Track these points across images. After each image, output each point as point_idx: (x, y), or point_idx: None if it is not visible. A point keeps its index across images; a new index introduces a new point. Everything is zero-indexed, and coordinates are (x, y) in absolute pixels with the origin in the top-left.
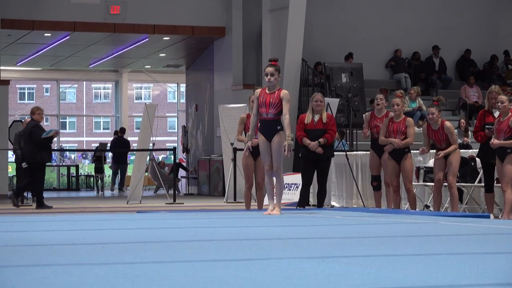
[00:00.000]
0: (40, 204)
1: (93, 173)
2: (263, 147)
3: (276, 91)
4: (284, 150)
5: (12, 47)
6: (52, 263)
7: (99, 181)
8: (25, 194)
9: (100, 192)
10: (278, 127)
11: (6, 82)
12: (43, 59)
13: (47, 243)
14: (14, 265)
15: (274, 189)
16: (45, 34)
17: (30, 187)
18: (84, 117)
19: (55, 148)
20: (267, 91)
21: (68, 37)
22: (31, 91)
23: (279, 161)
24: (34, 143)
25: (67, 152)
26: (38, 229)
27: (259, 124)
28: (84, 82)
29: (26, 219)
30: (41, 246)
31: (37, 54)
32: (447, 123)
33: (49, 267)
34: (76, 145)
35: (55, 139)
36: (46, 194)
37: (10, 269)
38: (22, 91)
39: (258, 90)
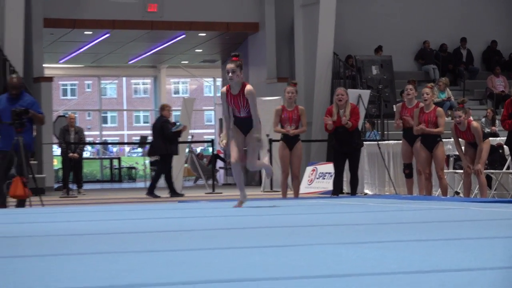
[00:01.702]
0: (173, 191)
1: (133, 165)
2: (235, 140)
3: (240, 91)
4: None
5: (54, 45)
6: (102, 251)
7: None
8: (70, 186)
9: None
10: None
11: (49, 79)
12: (84, 56)
13: (96, 233)
14: (66, 254)
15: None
16: (86, 32)
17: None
18: (125, 112)
19: (97, 141)
20: (232, 92)
21: (108, 35)
22: (73, 87)
23: (254, 159)
24: (164, 137)
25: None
26: (85, 219)
27: (233, 119)
28: (124, 78)
29: (73, 209)
30: (91, 235)
31: (78, 52)
32: (474, 124)
33: (99, 255)
34: (118, 138)
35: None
36: (89, 186)
37: (66, 257)
38: (64, 87)
39: (224, 90)
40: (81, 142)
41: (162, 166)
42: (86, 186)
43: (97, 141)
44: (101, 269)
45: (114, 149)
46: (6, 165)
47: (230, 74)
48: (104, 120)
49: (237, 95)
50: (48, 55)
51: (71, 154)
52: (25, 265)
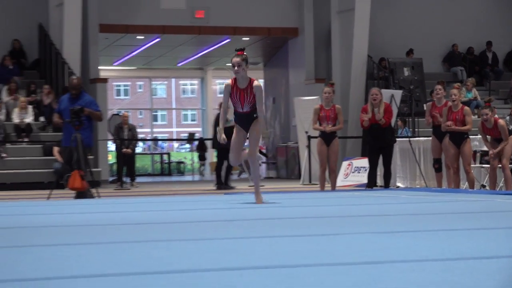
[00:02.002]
0: (221, 183)
1: (182, 160)
2: (236, 137)
3: (248, 85)
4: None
5: (109, 49)
6: (155, 239)
7: (202, 167)
8: (124, 179)
9: (203, 177)
10: (254, 115)
11: (104, 80)
12: (137, 59)
13: (150, 222)
14: (123, 241)
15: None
16: (138, 37)
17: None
18: (173, 110)
19: (149, 138)
20: (239, 86)
21: (159, 39)
22: (126, 87)
23: (255, 148)
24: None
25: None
26: (139, 210)
27: (234, 116)
28: (173, 79)
29: (127, 201)
30: (145, 225)
31: (131, 55)
32: (501, 122)
33: (153, 242)
34: (167, 135)
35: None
36: (141, 179)
37: (123, 244)
38: (118, 88)
39: (229, 83)
40: (133, 139)
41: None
42: (138, 179)
43: (148, 138)
44: (155, 256)
45: (164, 145)
46: (66, 158)
47: (236, 68)
48: (155, 118)
49: (244, 89)
50: (103, 58)
51: (124, 150)
52: (87, 251)
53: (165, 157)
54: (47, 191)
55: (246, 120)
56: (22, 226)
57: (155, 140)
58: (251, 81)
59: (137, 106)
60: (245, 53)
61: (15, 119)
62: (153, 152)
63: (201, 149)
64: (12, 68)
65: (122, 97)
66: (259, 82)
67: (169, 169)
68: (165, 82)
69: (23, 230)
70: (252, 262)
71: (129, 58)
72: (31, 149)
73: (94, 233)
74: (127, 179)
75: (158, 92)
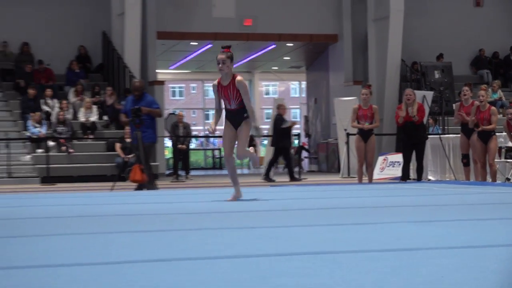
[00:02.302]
0: (268, 177)
1: None
2: (227, 134)
3: (231, 82)
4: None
5: (165, 54)
6: (206, 227)
7: (250, 161)
8: (179, 172)
9: (250, 170)
10: (245, 115)
11: (162, 83)
12: (190, 63)
13: (205, 211)
14: (184, 229)
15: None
16: (192, 43)
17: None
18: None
19: (201, 135)
20: (222, 83)
21: (211, 45)
22: (181, 89)
23: (244, 148)
24: (277, 131)
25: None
26: (194, 201)
27: (225, 112)
28: None
29: (183, 192)
30: (199, 214)
31: (185, 60)
32: None
33: (205, 230)
34: (218, 132)
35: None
36: (195, 172)
37: (182, 232)
38: (173, 89)
39: (215, 83)
40: (188, 136)
41: (284, 157)
42: (192, 173)
43: (201, 135)
44: (206, 243)
45: (215, 141)
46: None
47: (220, 64)
48: (207, 117)
49: (227, 86)
50: (160, 63)
51: (180, 146)
52: (147, 238)
53: (216, 152)
54: (110, 183)
55: (235, 117)
56: (88, 215)
57: (207, 137)
58: (233, 77)
59: (191, 106)
60: (230, 51)
61: (81, 118)
62: (206, 147)
63: (250, 145)
64: (79, 72)
65: (177, 98)
66: (242, 77)
67: (220, 164)
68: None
69: (90, 219)
70: (298, 249)
71: (183, 62)
72: (96, 145)
73: (154, 221)
74: (182, 173)
75: (210, 93)
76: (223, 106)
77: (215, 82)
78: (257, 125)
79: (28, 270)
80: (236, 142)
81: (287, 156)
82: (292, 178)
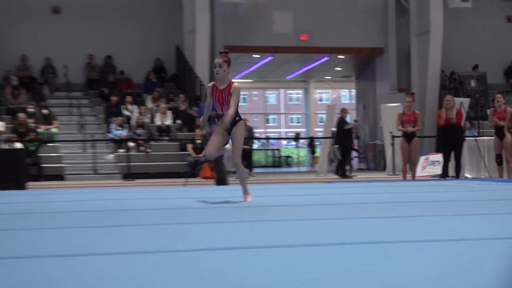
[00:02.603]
0: (343, 174)
1: (289, 155)
2: (214, 139)
3: (227, 86)
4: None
5: (231, 65)
6: (271, 219)
7: (311, 160)
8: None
9: (311, 168)
10: (237, 118)
11: None
12: (253, 74)
13: (268, 205)
14: (251, 220)
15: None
16: (254, 56)
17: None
18: (282, 115)
19: (263, 137)
20: (218, 86)
21: (271, 57)
22: (244, 96)
23: (238, 155)
24: (341, 132)
25: (271, 140)
26: (259, 195)
27: (216, 117)
28: (282, 89)
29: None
30: (266, 207)
31: (248, 70)
32: None
33: (264, 222)
34: (277, 134)
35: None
36: (257, 170)
37: (251, 223)
38: None
39: (211, 85)
40: (251, 137)
41: (345, 153)
42: (255, 170)
43: (262, 137)
44: (271, 233)
45: (275, 142)
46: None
47: (217, 68)
48: (267, 121)
49: (223, 89)
50: None
51: (244, 146)
52: (221, 228)
53: (276, 152)
54: (183, 179)
55: None
56: (165, 208)
57: (268, 138)
58: (230, 83)
59: (253, 111)
60: (228, 56)
61: (157, 121)
62: (266, 148)
63: (311, 145)
64: (155, 81)
65: (241, 104)
66: (239, 84)
67: (279, 162)
68: (276, 92)
69: (167, 211)
70: (351, 239)
71: (247, 73)
72: (170, 146)
73: (226, 213)
74: (246, 170)
75: (270, 100)
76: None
77: (211, 84)
78: (225, 123)
79: (117, 256)
80: (230, 148)
81: (346, 154)
82: (344, 176)
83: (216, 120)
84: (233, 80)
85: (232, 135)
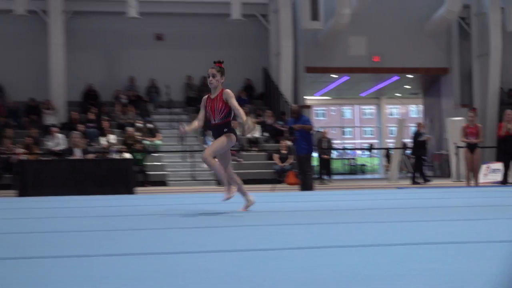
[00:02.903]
0: (424, 178)
1: (364, 163)
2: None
3: (218, 94)
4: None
5: (311, 84)
6: (352, 221)
7: (387, 168)
8: (323, 177)
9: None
10: (225, 130)
11: (308, 107)
12: (331, 92)
13: (343, 208)
14: (331, 222)
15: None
16: (332, 76)
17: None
18: (357, 128)
19: (340, 147)
20: (211, 97)
21: (348, 77)
22: (323, 111)
23: (210, 152)
24: (416, 143)
25: (348, 150)
26: (336, 200)
27: (212, 128)
28: (357, 105)
29: (329, 193)
30: (342, 210)
31: (327, 89)
32: None
33: (346, 224)
34: (353, 145)
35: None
36: (336, 177)
37: (337, 225)
38: (317, 111)
39: (205, 97)
40: (330, 148)
41: (419, 162)
42: (334, 177)
43: (339, 147)
44: (355, 232)
45: (351, 152)
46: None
47: (210, 78)
48: (344, 133)
49: (214, 99)
50: (307, 91)
51: (324, 156)
52: (319, 229)
53: (352, 161)
54: (270, 185)
55: (217, 132)
56: (257, 211)
57: (345, 149)
58: (221, 91)
59: (331, 125)
60: (222, 66)
61: (247, 135)
62: (343, 157)
63: (387, 155)
64: (245, 99)
65: (320, 118)
66: (228, 90)
67: (355, 170)
68: (351, 108)
69: (258, 214)
70: (425, 239)
71: (325, 91)
72: (259, 156)
73: (312, 216)
74: (325, 177)
75: (346, 115)
76: (204, 122)
77: (205, 96)
78: (244, 121)
79: (218, 253)
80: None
81: (420, 162)
82: (414, 182)
83: (211, 131)
84: (224, 88)
85: (217, 138)
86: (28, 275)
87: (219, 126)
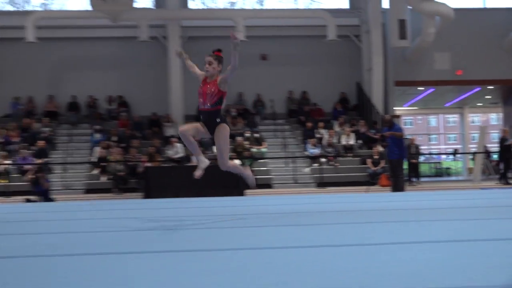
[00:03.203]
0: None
1: (449, 167)
2: (196, 125)
3: (214, 80)
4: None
5: (400, 96)
6: (439, 219)
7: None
8: (411, 179)
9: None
10: (218, 120)
11: (398, 116)
12: (418, 103)
13: (433, 208)
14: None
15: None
16: (419, 88)
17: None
18: (442, 134)
19: (426, 152)
20: (206, 80)
21: (433, 89)
22: (410, 120)
23: (224, 156)
24: (502, 147)
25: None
26: (426, 199)
27: (200, 113)
28: (441, 114)
29: (421, 193)
30: (436, 209)
31: (414, 100)
32: None
33: (437, 222)
34: (438, 150)
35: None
36: (424, 179)
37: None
38: (405, 120)
39: (203, 73)
40: (418, 153)
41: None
42: (422, 179)
43: (426, 152)
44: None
45: (439, 156)
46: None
47: (206, 65)
48: (430, 140)
49: (210, 82)
50: (397, 102)
51: (412, 160)
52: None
53: (438, 164)
54: (364, 187)
55: (208, 120)
56: (349, 210)
57: (431, 154)
58: (217, 77)
59: (418, 132)
60: (221, 54)
61: (343, 142)
62: (430, 161)
63: (473, 158)
64: (341, 110)
65: (408, 126)
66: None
67: (441, 172)
68: (436, 116)
69: (350, 213)
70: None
71: (413, 102)
72: (353, 161)
73: (406, 214)
74: (414, 179)
75: (431, 123)
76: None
77: (203, 74)
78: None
79: (314, 248)
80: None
81: (507, 165)
82: (507, 183)
83: (201, 117)
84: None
85: (215, 139)
86: (176, 266)
87: (211, 113)
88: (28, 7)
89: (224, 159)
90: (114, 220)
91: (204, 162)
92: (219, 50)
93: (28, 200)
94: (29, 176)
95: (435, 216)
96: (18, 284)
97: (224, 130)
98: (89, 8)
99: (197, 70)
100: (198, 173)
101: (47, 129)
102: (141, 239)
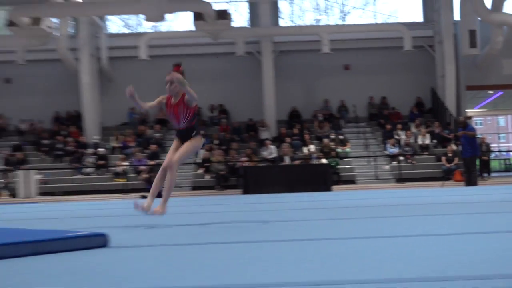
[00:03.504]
0: None
1: None
2: (173, 146)
3: (180, 99)
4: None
5: (471, 99)
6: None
7: None
8: (482, 174)
9: None
10: (193, 134)
11: (469, 118)
12: (488, 105)
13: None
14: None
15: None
16: (488, 92)
17: None
18: (510, 134)
19: (496, 150)
20: (172, 102)
21: (502, 93)
22: (480, 121)
23: (179, 156)
24: None
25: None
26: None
27: (176, 133)
28: (509, 115)
29: (492, 187)
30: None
31: (484, 103)
32: None
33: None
34: (507, 147)
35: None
36: (493, 174)
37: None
38: (476, 121)
39: (166, 98)
40: (489, 150)
41: None
42: (492, 174)
43: (496, 150)
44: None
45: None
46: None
47: (168, 85)
48: (499, 138)
49: (176, 104)
50: (468, 105)
51: (483, 157)
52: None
53: (507, 161)
54: (440, 182)
55: (186, 135)
56: (424, 203)
57: (500, 151)
58: (183, 95)
59: (488, 132)
60: (180, 69)
61: (419, 141)
62: (499, 158)
63: None
64: (417, 113)
65: (478, 126)
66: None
67: (510, 168)
68: (505, 117)
69: (423, 206)
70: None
71: (483, 104)
72: (429, 158)
73: (481, 207)
74: (485, 174)
75: (500, 123)
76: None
77: (166, 97)
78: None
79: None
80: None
81: None
82: None
83: (176, 134)
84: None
85: (184, 144)
86: (275, 255)
87: (188, 130)
88: (141, 29)
89: (177, 158)
90: (227, 213)
91: (147, 204)
92: (178, 65)
93: (143, 197)
94: (144, 175)
95: (508, 208)
96: (166, 269)
97: (195, 141)
98: (193, 28)
99: (155, 101)
100: (138, 206)
101: (158, 134)
102: (245, 231)
